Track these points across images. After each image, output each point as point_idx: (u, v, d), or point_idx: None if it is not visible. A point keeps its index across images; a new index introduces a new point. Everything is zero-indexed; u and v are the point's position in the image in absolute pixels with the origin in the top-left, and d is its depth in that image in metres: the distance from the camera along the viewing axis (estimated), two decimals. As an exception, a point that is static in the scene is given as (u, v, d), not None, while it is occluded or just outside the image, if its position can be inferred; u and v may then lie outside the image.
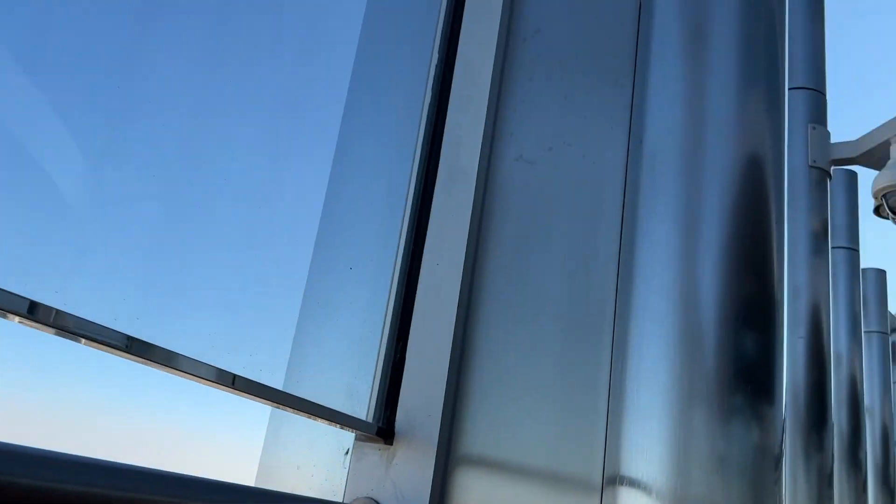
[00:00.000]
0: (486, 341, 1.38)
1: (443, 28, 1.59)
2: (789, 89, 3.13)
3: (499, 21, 1.54)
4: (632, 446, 1.12)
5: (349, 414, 1.34)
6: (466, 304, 1.40)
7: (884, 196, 2.85)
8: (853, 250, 4.42)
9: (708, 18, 1.33)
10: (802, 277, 2.94)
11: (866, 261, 6.14)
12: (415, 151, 1.54)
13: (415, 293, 1.41)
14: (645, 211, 1.27)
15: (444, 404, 1.32)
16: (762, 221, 1.22)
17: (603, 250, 1.35)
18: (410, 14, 1.72)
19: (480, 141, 1.47)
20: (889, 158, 2.93)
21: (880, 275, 5.92)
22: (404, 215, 1.48)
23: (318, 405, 1.28)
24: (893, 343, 6.68)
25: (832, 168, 3.09)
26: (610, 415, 1.21)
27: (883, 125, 2.99)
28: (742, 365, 1.15)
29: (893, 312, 7.21)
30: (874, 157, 3.05)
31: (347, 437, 1.40)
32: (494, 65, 1.52)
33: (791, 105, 3.14)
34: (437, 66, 1.57)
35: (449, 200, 1.46)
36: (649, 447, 1.10)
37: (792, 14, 3.26)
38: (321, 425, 1.42)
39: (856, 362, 4.32)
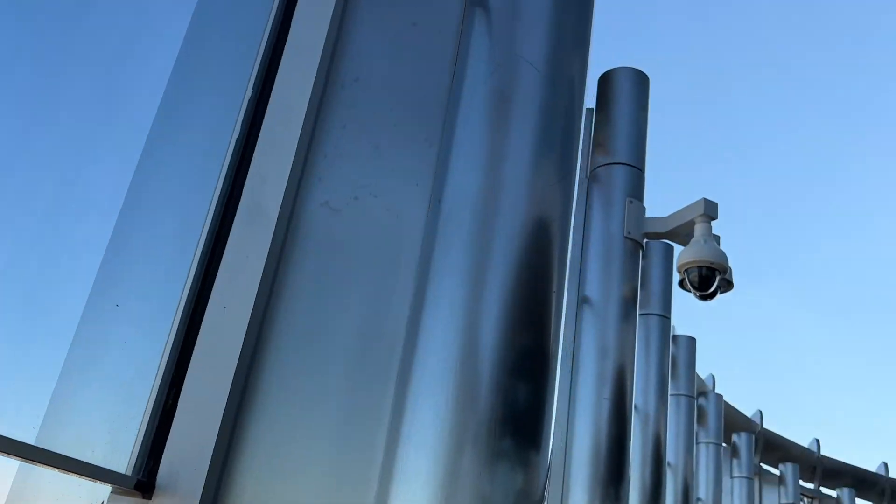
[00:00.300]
0: (269, 392, 1.32)
1: (261, 62, 1.55)
2: (611, 164, 3.36)
3: (318, 63, 1.52)
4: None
5: (105, 467, 1.21)
6: (252, 351, 1.33)
7: (686, 271, 3.09)
8: (665, 318, 4.76)
9: (513, 88, 1.38)
10: (611, 339, 3.11)
11: (683, 328, 6.65)
12: (216, 185, 1.47)
13: (196, 336, 1.32)
14: (436, 268, 1.28)
15: (213, 456, 1.23)
16: (544, 283, 1.26)
17: (396, 306, 1.34)
18: (230, 42, 1.66)
19: (286, 182, 1.42)
20: (693, 236, 3.20)
21: (691, 342, 6.42)
22: (196, 252, 1.40)
23: (70, 459, 1.16)
24: (699, 406, 7.24)
25: (645, 241, 3.32)
26: (381, 471, 1.19)
27: (689, 206, 3.27)
28: (513, 415, 1.17)
29: (702, 376, 7.84)
30: (681, 234, 3.31)
31: (104, 487, 1.27)
32: (309, 107, 1.49)
33: (612, 179, 3.37)
34: (249, 100, 1.52)
35: (246, 240, 1.39)
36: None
37: (618, 93, 3.53)
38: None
39: (661, 422, 4.61)
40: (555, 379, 1.24)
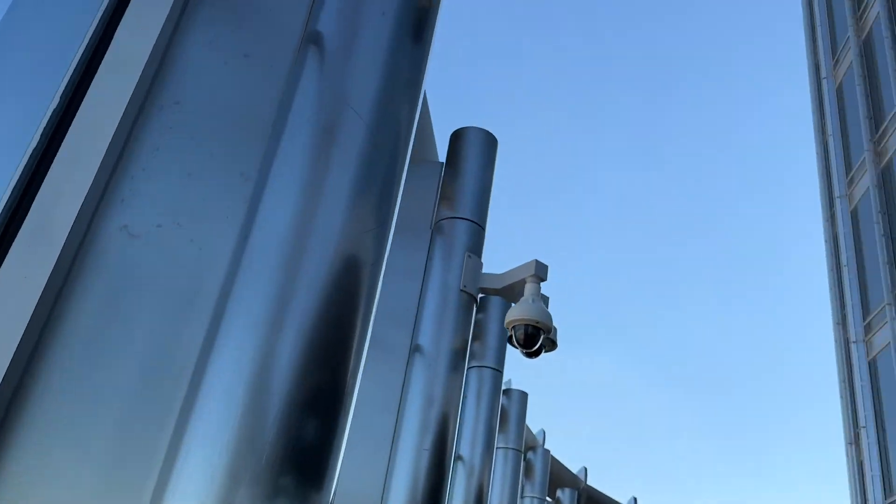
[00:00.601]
0: (33, 426, 1.19)
1: (73, 74, 1.45)
2: (454, 218, 3.44)
3: (137, 81, 1.44)
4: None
5: None
6: (17, 383, 1.20)
7: (513, 328, 3.19)
8: (498, 371, 4.89)
9: (335, 133, 1.38)
10: (439, 390, 3.14)
11: (519, 383, 6.84)
12: (4, 196, 1.34)
13: (-49, 359, 1.18)
14: (234, 304, 1.23)
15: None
16: (346, 326, 1.25)
17: (188, 340, 1.27)
18: (43, 45, 1.55)
19: (82, 201, 1.33)
20: (522, 295, 3.32)
21: (523, 396, 6.63)
22: (-34, 266, 1.26)
23: None
24: (527, 460, 7.44)
25: (479, 295, 3.41)
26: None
27: (522, 265, 3.40)
28: (297, 453, 1.14)
29: (534, 430, 8.09)
30: (513, 291, 3.43)
31: None
32: (121, 125, 1.41)
33: (455, 232, 3.45)
34: (55, 111, 1.41)
35: (27, 259, 1.27)
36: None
37: (468, 151, 3.65)
38: None
39: (486, 474, 4.68)
40: (346, 419, 1.22)
